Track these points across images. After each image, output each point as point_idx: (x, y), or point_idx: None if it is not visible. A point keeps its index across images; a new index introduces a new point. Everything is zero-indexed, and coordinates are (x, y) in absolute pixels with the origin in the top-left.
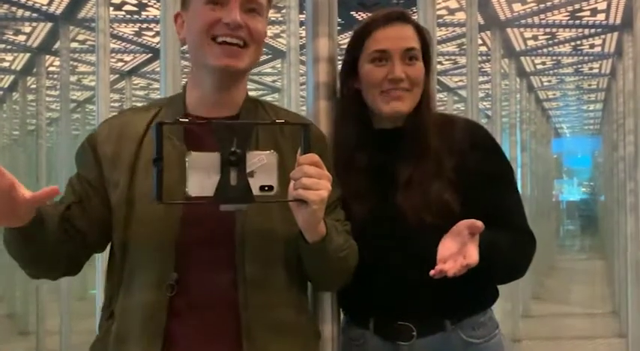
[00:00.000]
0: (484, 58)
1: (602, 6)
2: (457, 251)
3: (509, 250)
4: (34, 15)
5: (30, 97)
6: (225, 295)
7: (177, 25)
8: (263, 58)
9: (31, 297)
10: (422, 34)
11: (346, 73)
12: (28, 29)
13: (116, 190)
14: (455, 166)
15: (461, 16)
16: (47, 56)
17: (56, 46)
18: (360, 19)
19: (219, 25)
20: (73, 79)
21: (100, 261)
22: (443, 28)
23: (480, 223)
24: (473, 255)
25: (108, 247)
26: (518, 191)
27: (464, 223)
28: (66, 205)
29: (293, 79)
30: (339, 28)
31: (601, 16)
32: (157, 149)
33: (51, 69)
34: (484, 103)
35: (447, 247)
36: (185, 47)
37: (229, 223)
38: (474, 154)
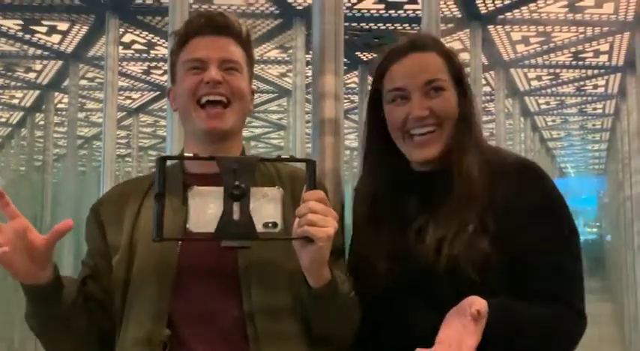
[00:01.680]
0: (488, 97)
1: (605, 47)
2: (457, 334)
3: (537, 335)
4: (45, 53)
5: (38, 133)
6: (230, 335)
7: (171, 100)
8: (269, 96)
9: (30, 337)
10: (450, 58)
11: (371, 118)
12: (38, 67)
13: (116, 255)
14: (499, 212)
15: (465, 56)
16: (56, 93)
17: (65, 83)
18: (365, 59)
19: (201, 86)
20: (80, 115)
21: None
22: None
23: (477, 308)
24: (464, 348)
25: None
26: (576, 259)
27: (468, 302)
28: (81, 280)
29: (299, 117)
30: (344, 68)
31: (604, 58)
32: (159, 185)
33: (60, 106)
34: (488, 142)
35: (448, 325)
36: None
37: (230, 259)
38: (518, 198)
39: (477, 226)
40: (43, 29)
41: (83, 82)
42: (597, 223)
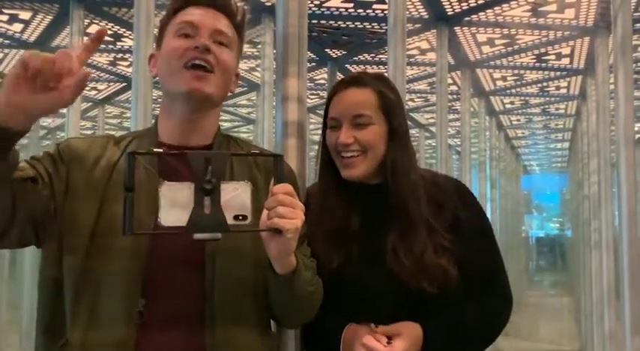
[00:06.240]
0: (454, 96)
1: (567, 51)
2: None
3: (472, 336)
4: (7, 42)
5: None
6: (192, 327)
7: (151, 65)
8: (239, 89)
9: (14, 321)
10: (383, 96)
11: (323, 132)
12: None
13: (79, 216)
14: (448, 225)
15: (432, 56)
16: None
17: None
18: (334, 56)
19: (190, 51)
20: None
21: None
22: (414, 67)
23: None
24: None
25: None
26: (499, 250)
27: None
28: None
29: (267, 112)
30: (313, 64)
31: (565, 60)
32: (128, 179)
33: None
34: (454, 140)
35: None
36: (157, 78)
37: (199, 248)
38: (464, 212)
39: (433, 239)
40: (4, 18)
41: None
42: (560, 219)
